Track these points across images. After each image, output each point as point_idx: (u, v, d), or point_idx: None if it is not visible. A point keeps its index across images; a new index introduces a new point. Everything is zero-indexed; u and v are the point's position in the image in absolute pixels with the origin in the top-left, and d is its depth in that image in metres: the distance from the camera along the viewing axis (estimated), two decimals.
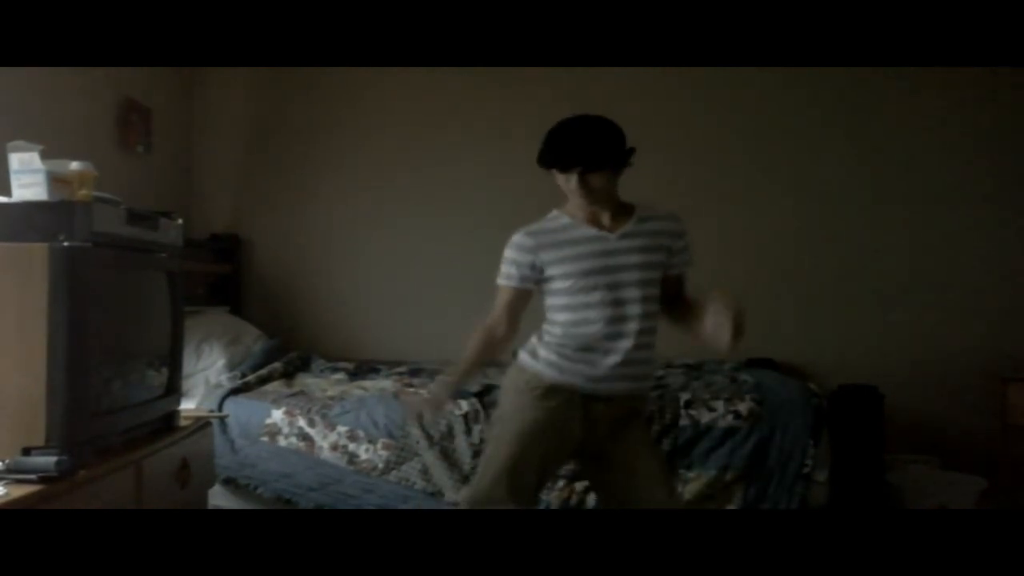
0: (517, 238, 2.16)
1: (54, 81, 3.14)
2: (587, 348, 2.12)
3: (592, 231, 2.13)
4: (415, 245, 4.25)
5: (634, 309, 2.10)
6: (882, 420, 3.16)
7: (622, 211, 2.16)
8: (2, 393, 1.71)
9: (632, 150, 2.11)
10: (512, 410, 2.20)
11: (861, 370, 3.54)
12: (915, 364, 3.81)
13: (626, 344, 2.10)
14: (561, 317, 2.14)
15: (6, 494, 1.53)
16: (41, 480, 1.60)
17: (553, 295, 2.15)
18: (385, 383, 3.48)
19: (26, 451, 1.65)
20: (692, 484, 2.89)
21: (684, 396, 3.04)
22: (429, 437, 2.99)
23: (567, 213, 2.17)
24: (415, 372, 3.72)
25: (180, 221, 2.29)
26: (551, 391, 2.14)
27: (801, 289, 3.99)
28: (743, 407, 2.97)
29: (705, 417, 2.96)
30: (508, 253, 2.17)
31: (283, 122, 4.35)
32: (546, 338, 2.18)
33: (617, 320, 2.09)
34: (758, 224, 4.03)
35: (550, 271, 2.13)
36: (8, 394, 1.71)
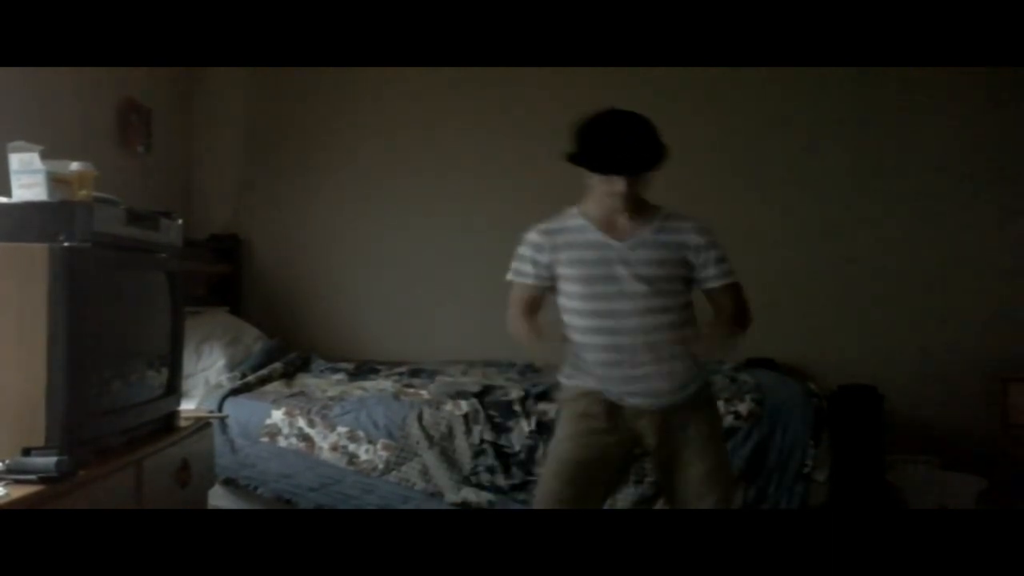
0: (533, 236, 2.10)
1: (54, 81, 3.14)
2: (597, 358, 2.06)
3: (600, 237, 2.05)
4: (415, 245, 4.24)
5: (638, 322, 2.01)
6: (882, 420, 3.16)
7: (642, 214, 2.06)
8: (2, 393, 1.71)
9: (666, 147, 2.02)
10: (558, 426, 2.18)
11: (861, 370, 3.54)
12: (915, 364, 3.81)
13: (630, 357, 2.02)
14: (571, 321, 2.09)
15: (6, 494, 1.53)
16: (41, 480, 1.60)
17: (562, 297, 2.10)
18: (385, 383, 3.48)
19: (26, 451, 1.65)
20: None
21: None
22: (429, 437, 2.99)
23: (583, 214, 2.09)
24: (415, 372, 3.71)
25: (180, 221, 2.29)
26: (581, 398, 2.09)
27: (801, 289, 3.99)
28: (743, 407, 2.97)
29: None
30: (523, 251, 2.11)
31: (283, 122, 4.35)
32: (569, 349, 2.12)
33: (617, 333, 2.02)
34: (758, 224, 4.02)
35: (560, 271, 2.07)
36: (8, 394, 1.71)
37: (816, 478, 2.89)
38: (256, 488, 3.03)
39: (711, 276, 2.08)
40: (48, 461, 1.61)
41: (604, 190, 2.03)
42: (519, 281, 2.13)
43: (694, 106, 4.06)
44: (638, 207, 2.06)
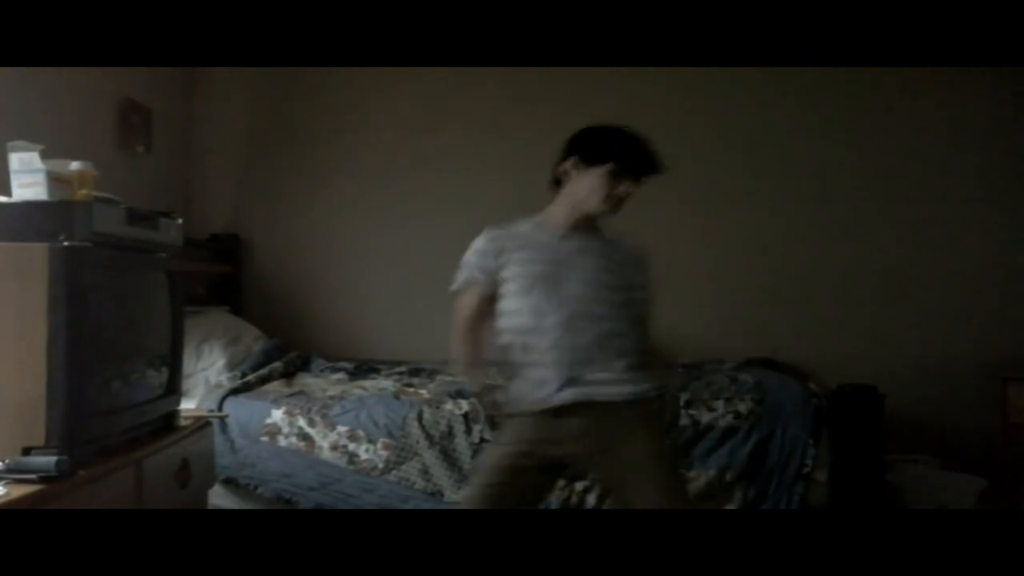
0: (480, 243, 2.10)
1: (54, 81, 3.14)
2: (533, 357, 2.02)
3: (554, 239, 2.05)
4: (415, 245, 4.24)
5: (588, 309, 1.99)
6: (882, 420, 3.16)
7: (597, 229, 2.10)
8: (2, 393, 1.71)
9: None
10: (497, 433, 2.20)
11: (861, 370, 3.54)
12: (915, 364, 3.80)
13: (570, 356, 1.98)
14: (513, 323, 2.05)
15: (6, 494, 1.53)
16: (41, 480, 1.60)
17: (507, 299, 2.06)
18: (385, 383, 3.48)
19: (26, 451, 1.65)
20: (692, 484, 2.88)
21: (684, 396, 3.04)
22: (429, 437, 2.99)
23: (541, 220, 2.11)
24: (415, 372, 3.72)
25: (180, 221, 2.29)
26: (511, 418, 2.09)
27: (801, 289, 3.99)
28: (743, 407, 2.97)
29: (705, 417, 2.96)
30: (470, 258, 2.10)
31: (283, 122, 4.35)
32: (498, 361, 2.11)
33: (553, 330, 1.99)
34: (758, 224, 4.03)
35: (507, 273, 2.05)
36: (8, 394, 1.71)
37: (816, 478, 2.90)
38: (256, 488, 3.04)
39: (645, 300, 2.09)
40: (48, 461, 1.61)
41: (603, 195, 2.02)
42: (468, 286, 2.10)
43: (694, 107, 4.07)
44: (597, 222, 2.09)
